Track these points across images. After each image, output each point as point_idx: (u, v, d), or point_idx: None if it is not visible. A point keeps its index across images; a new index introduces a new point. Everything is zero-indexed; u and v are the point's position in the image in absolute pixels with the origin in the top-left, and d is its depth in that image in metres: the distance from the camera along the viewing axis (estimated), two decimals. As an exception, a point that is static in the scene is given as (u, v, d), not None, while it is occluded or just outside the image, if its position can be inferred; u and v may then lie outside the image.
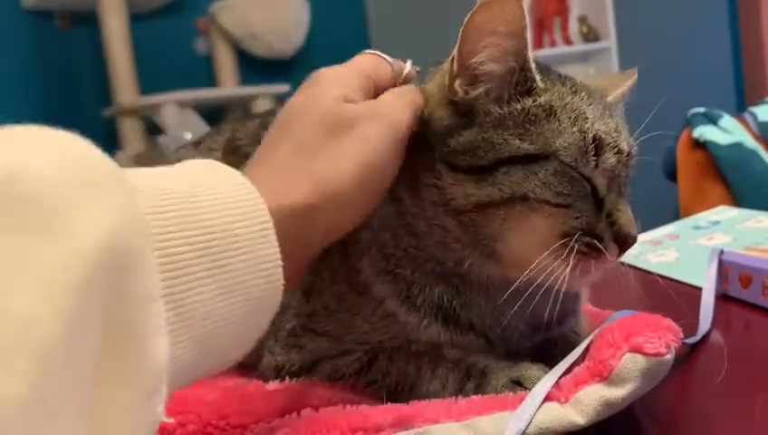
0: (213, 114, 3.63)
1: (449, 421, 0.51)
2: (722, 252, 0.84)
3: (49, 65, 3.54)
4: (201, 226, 0.41)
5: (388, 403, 0.56)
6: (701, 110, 2.17)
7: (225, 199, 0.43)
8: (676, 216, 1.86)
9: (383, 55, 0.62)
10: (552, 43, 3.87)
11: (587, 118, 0.57)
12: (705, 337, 0.70)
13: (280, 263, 0.45)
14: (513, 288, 0.57)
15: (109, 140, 3.61)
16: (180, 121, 3.24)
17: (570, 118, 0.56)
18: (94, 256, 0.32)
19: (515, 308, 0.59)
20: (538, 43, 3.87)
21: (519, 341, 0.63)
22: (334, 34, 3.84)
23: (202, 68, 3.83)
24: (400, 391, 0.61)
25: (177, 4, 3.79)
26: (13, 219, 0.31)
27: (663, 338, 0.51)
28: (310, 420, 0.52)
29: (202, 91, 3.54)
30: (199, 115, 3.44)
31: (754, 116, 2.17)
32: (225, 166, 0.47)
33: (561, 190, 0.55)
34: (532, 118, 0.56)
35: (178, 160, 0.85)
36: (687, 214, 1.42)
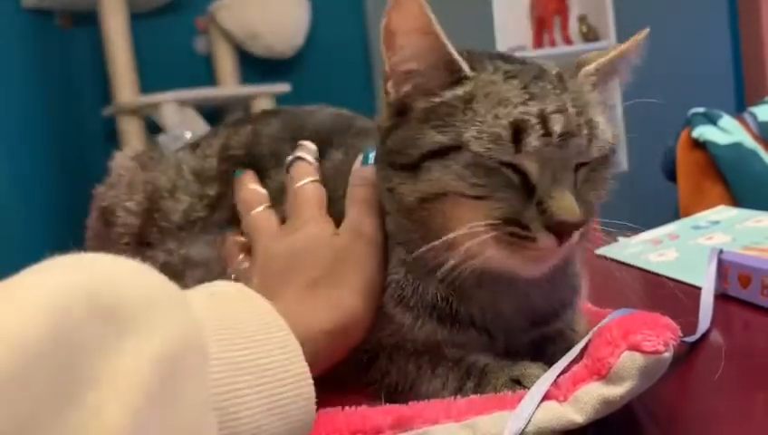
0: (213, 113, 3.63)
1: (449, 422, 0.51)
2: (721, 251, 0.84)
3: (49, 64, 3.54)
4: (242, 350, 0.46)
5: (387, 403, 0.57)
6: (701, 109, 2.17)
7: (259, 327, 0.49)
8: (675, 215, 1.87)
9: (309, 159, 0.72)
10: (552, 43, 3.87)
11: (509, 103, 0.56)
12: (705, 336, 0.70)
13: (311, 381, 0.49)
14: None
15: (108, 139, 3.61)
16: (180, 121, 3.23)
17: (487, 106, 0.56)
18: (161, 366, 0.37)
19: (505, 298, 0.61)
20: (537, 43, 3.87)
21: (517, 335, 0.64)
22: (334, 34, 3.84)
23: (202, 67, 3.83)
24: (400, 391, 0.62)
25: (176, 4, 3.79)
26: (102, 326, 0.36)
27: (661, 336, 0.51)
28: (309, 421, 0.52)
29: (202, 90, 3.53)
30: (199, 114, 3.43)
31: (754, 116, 2.17)
32: (256, 295, 0.52)
33: (476, 182, 0.55)
34: (451, 109, 0.57)
35: (177, 162, 0.87)
36: (687, 214, 1.42)
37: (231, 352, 0.45)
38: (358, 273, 0.62)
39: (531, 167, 0.55)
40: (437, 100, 0.58)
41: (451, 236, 0.56)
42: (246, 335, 0.47)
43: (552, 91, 0.57)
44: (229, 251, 0.72)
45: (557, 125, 0.55)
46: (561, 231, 0.54)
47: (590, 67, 0.62)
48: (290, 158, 0.72)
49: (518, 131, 0.54)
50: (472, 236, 0.55)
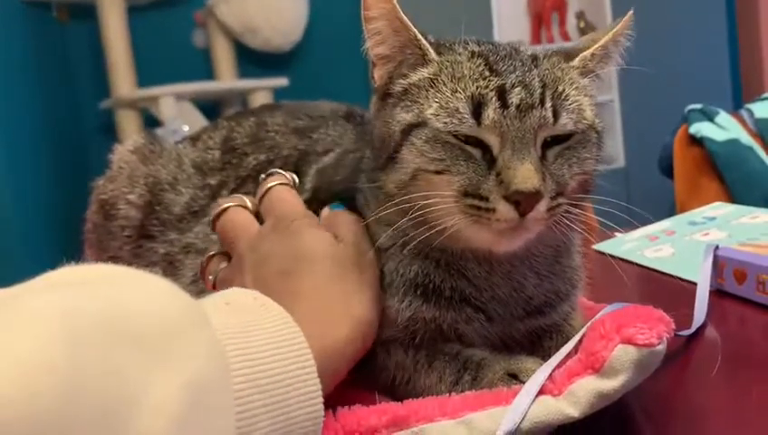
0: (211, 107, 3.63)
1: (444, 419, 0.51)
2: (717, 247, 0.85)
3: (47, 57, 3.53)
4: (259, 366, 0.46)
5: (383, 397, 0.57)
6: (698, 106, 2.17)
7: (276, 341, 0.48)
8: (672, 211, 1.87)
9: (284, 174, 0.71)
10: (550, 39, 3.86)
11: (469, 79, 0.58)
12: (700, 331, 0.70)
13: (321, 401, 0.49)
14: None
15: (106, 132, 3.61)
16: (178, 114, 3.23)
17: (448, 83, 0.59)
18: (190, 393, 0.38)
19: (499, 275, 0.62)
20: (535, 39, 3.87)
21: (514, 322, 0.64)
22: (332, 29, 3.83)
23: (200, 61, 3.82)
24: (397, 385, 0.62)
25: (175, -3, 3.79)
26: (134, 352, 0.37)
27: (654, 329, 0.51)
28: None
29: (200, 84, 3.53)
30: (197, 108, 3.43)
31: (751, 113, 2.18)
32: (273, 305, 0.52)
33: (435, 157, 0.57)
34: (418, 90, 0.60)
35: (178, 156, 0.87)
36: (683, 209, 1.42)
37: (248, 368, 0.45)
38: (365, 283, 0.61)
39: (492, 139, 0.57)
40: (407, 81, 0.61)
41: (422, 213, 0.58)
42: (263, 350, 0.47)
43: (520, 67, 0.59)
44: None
45: (515, 97, 0.57)
46: (519, 201, 0.55)
47: (587, 53, 0.64)
48: (262, 175, 0.71)
49: (478, 106, 0.57)
50: (440, 213, 0.57)
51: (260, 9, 3.56)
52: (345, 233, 0.64)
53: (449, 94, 0.58)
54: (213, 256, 0.69)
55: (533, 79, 0.58)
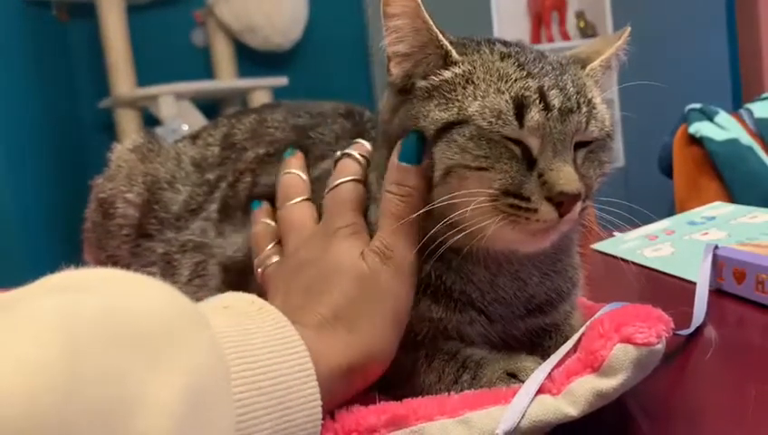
0: (210, 106, 3.62)
1: (443, 418, 0.51)
2: (716, 247, 0.85)
3: (47, 57, 3.53)
4: (259, 369, 0.46)
5: (381, 396, 0.57)
6: (697, 106, 2.18)
7: (275, 344, 0.48)
8: (671, 211, 1.87)
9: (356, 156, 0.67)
10: (550, 39, 3.87)
11: (508, 80, 0.58)
12: (699, 331, 0.70)
13: (320, 403, 0.49)
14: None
15: (105, 131, 3.61)
16: (177, 113, 3.23)
17: (488, 82, 0.58)
18: (190, 395, 0.38)
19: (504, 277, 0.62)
20: (535, 38, 3.87)
21: (514, 322, 0.64)
22: (332, 28, 3.83)
23: (199, 60, 3.82)
24: (397, 385, 0.62)
25: (174, -4, 3.79)
26: (134, 354, 0.37)
27: (653, 328, 0.51)
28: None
29: (199, 83, 3.53)
30: (196, 107, 3.43)
31: (750, 112, 2.18)
32: (271, 309, 0.52)
33: (479, 154, 0.57)
34: (451, 87, 0.59)
35: (177, 154, 0.87)
36: (683, 209, 1.42)
37: (248, 371, 0.45)
38: (381, 309, 0.58)
39: (533, 142, 0.57)
40: (437, 79, 0.60)
41: (455, 215, 0.57)
42: (262, 353, 0.47)
43: (551, 71, 0.60)
44: (257, 239, 0.70)
45: (556, 99, 0.57)
46: (561, 202, 0.56)
47: (596, 63, 0.65)
48: (338, 153, 0.69)
49: (520, 107, 0.57)
50: (475, 213, 0.57)
51: (260, 8, 3.56)
52: (378, 240, 0.60)
53: (492, 94, 0.57)
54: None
55: (567, 83, 0.59)
